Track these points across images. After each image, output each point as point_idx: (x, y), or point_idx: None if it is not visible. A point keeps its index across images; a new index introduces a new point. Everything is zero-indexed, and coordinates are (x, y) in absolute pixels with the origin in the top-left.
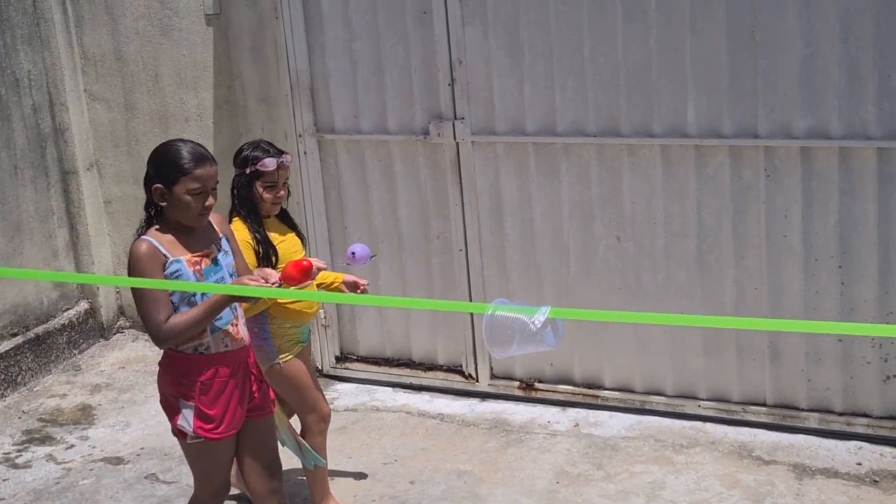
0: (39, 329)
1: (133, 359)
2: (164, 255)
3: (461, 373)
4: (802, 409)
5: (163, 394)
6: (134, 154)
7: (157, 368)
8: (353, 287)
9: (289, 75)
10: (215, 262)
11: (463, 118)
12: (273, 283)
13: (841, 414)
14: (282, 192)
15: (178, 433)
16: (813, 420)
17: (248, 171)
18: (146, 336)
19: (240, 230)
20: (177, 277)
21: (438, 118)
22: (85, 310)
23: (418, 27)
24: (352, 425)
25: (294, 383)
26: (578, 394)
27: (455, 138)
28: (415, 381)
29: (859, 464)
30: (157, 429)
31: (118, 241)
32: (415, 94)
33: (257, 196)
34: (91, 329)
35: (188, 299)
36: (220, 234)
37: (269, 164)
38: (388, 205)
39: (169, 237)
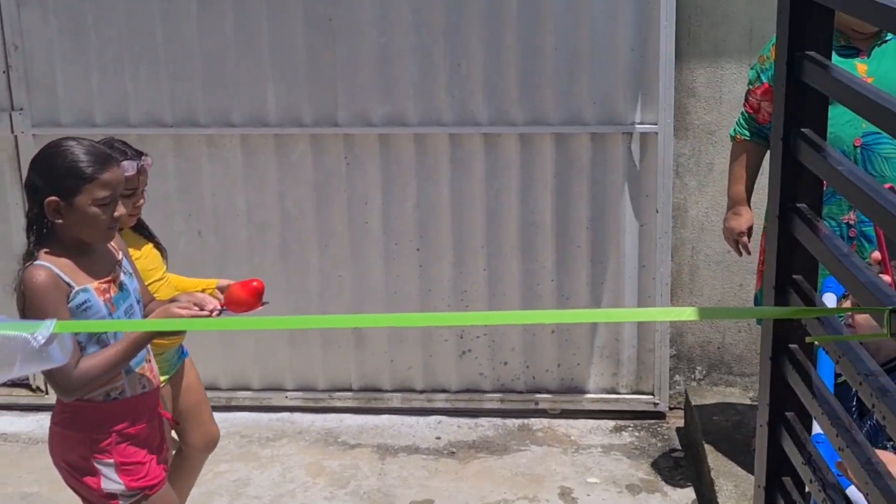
0: None
1: None
2: (68, 284)
3: (28, 386)
4: (386, 391)
5: (66, 462)
6: None
7: (50, 431)
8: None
9: None
10: (122, 287)
11: (22, 109)
12: (213, 311)
13: (422, 391)
14: (140, 201)
15: (106, 500)
16: (396, 400)
17: None
18: None
19: None
20: (85, 310)
21: None
22: None
23: None
24: None
25: None
26: None
27: (13, 131)
28: None
29: (438, 437)
30: None
31: None
32: None
33: None
34: None
35: (97, 337)
36: (120, 254)
37: (128, 167)
38: None
39: (66, 261)
